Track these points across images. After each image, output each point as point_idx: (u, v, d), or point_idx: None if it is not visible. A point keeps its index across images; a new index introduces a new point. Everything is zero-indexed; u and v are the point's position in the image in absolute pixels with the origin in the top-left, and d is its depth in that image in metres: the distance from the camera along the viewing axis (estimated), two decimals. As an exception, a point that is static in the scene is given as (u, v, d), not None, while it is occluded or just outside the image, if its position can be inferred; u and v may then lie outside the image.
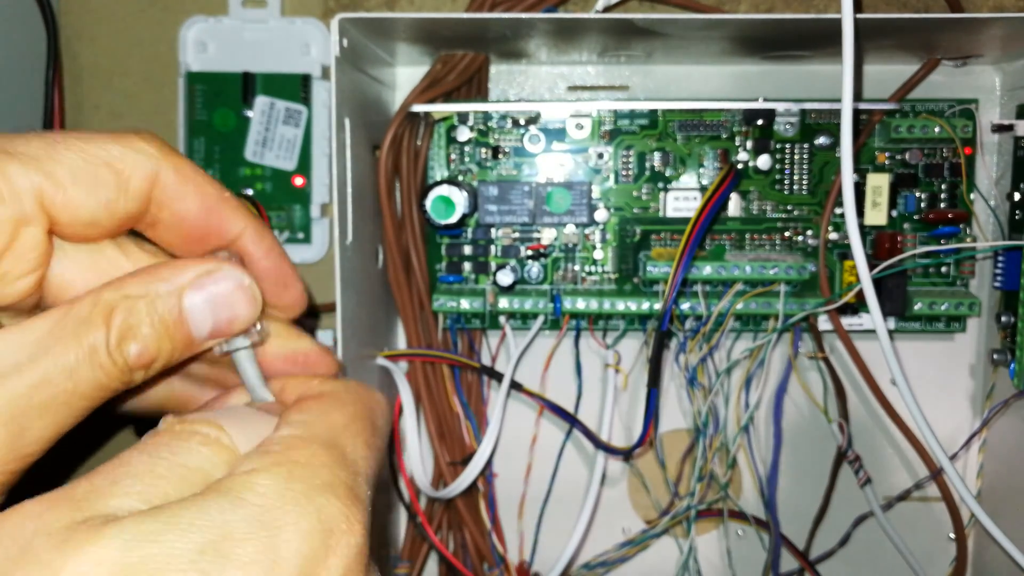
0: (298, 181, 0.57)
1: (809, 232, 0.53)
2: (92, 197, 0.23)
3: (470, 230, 0.54)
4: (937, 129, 0.51)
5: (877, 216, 0.52)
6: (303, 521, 0.19)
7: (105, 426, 0.53)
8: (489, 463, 0.52)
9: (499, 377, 0.52)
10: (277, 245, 0.27)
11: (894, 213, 0.53)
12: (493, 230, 0.53)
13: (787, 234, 0.53)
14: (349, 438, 0.23)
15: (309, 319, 0.56)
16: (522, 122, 0.53)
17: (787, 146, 0.53)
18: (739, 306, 0.51)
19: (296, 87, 0.56)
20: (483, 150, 0.53)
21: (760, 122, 0.52)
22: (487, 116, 0.53)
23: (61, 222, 0.23)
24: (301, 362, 0.27)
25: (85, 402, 0.21)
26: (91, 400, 0.21)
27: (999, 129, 0.52)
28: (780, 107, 0.51)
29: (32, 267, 0.23)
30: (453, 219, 0.49)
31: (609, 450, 0.52)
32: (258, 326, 0.25)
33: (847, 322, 0.52)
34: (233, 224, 0.25)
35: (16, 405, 0.20)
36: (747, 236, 0.53)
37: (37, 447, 0.20)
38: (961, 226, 0.53)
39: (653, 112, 0.53)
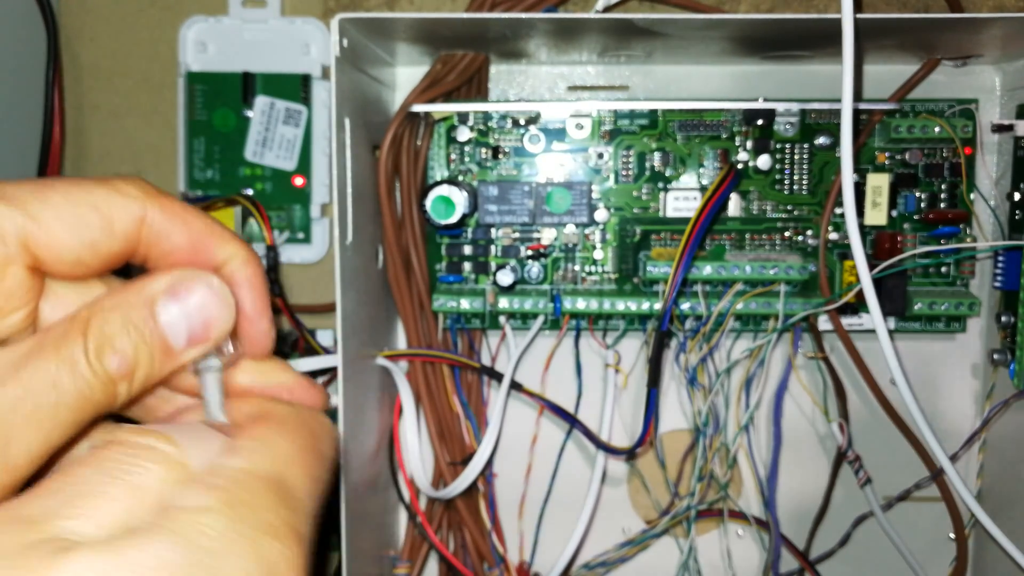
0: (298, 181, 0.57)
1: (809, 232, 0.53)
2: (76, 238, 0.24)
3: (470, 230, 0.54)
4: (937, 129, 0.51)
5: (877, 216, 0.52)
6: (246, 565, 0.20)
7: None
8: (489, 463, 0.52)
9: (499, 377, 0.52)
10: (259, 277, 0.27)
11: (894, 213, 0.53)
12: (493, 230, 0.53)
13: (787, 234, 0.53)
14: (295, 471, 0.23)
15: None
16: (522, 122, 0.53)
17: (787, 146, 0.53)
18: (739, 306, 0.51)
19: (296, 87, 0.56)
20: (483, 150, 0.53)
21: (760, 122, 0.52)
22: (487, 116, 0.53)
23: (46, 261, 0.24)
24: (286, 397, 0.27)
25: (71, 414, 0.21)
26: (77, 412, 0.22)
27: (999, 129, 0.52)
28: (780, 107, 0.51)
29: (20, 304, 0.24)
30: (453, 219, 0.49)
31: (609, 450, 0.52)
32: (230, 347, 0.25)
33: (847, 322, 0.52)
34: (220, 252, 0.26)
35: (1, 417, 0.20)
36: (747, 236, 0.53)
37: (25, 460, 0.21)
38: (961, 226, 0.53)
39: (653, 112, 0.53)
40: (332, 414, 0.30)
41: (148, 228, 0.25)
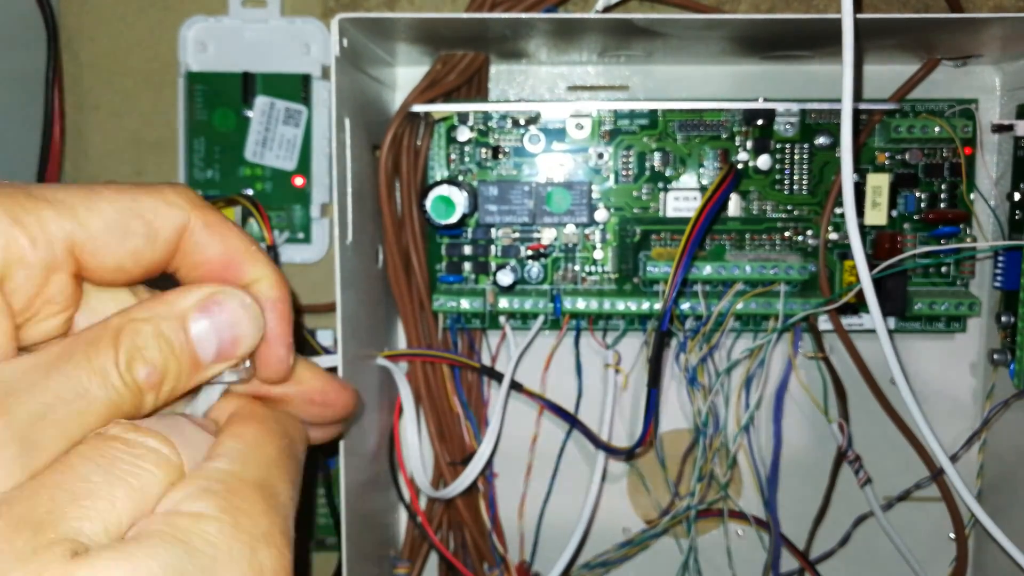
0: (298, 181, 0.57)
1: (809, 232, 0.53)
2: (121, 246, 0.24)
3: (470, 230, 0.54)
4: (937, 129, 0.51)
5: (877, 216, 0.52)
6: (245, 570, 0.21)
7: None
8: (489, 463, 0.52)
9: (499, 377, 0.52)
10: (286, 302, 0.26)
11: (894, 213, 0.53)
12: (493, 230, 0.53)
13: (787, 234, 0.53)
14: (279, 477, 0.24)
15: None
16: (522, 122, 0.53)
17: (787, 146, 0.53)
18: (739, 306, 0.51)
19: (296, 87, 0.56)
20: (483, 150, 0.53)
21: (760, 122, 0.52)
22: (487, 116, 0.53)
23: (89, 268, 0.24)
24: (319, 401, 0.28)
25: (97, 421, 0.22)
26: (103, 419, 0.22)
27: (999, 129, 0.52)
28: (780, 107, 0.51)
29: (60, 309, 0.24)
30: (453, 219, 0.49)
31: (609, 450, 0.52)
32: (247, 363, 0.25)
33: (847, 322, 0.52)
34: (251, 271, 0.26)
35: (30, 423, 0.20)
36: (747, 236, 0.53)
37: (47, 462, 0.21)
38: (961, 226, 0.53)
39: (653, 112, 0.53)
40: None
41: (187, 240, 0.25)
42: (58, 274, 0.23)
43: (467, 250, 0.54)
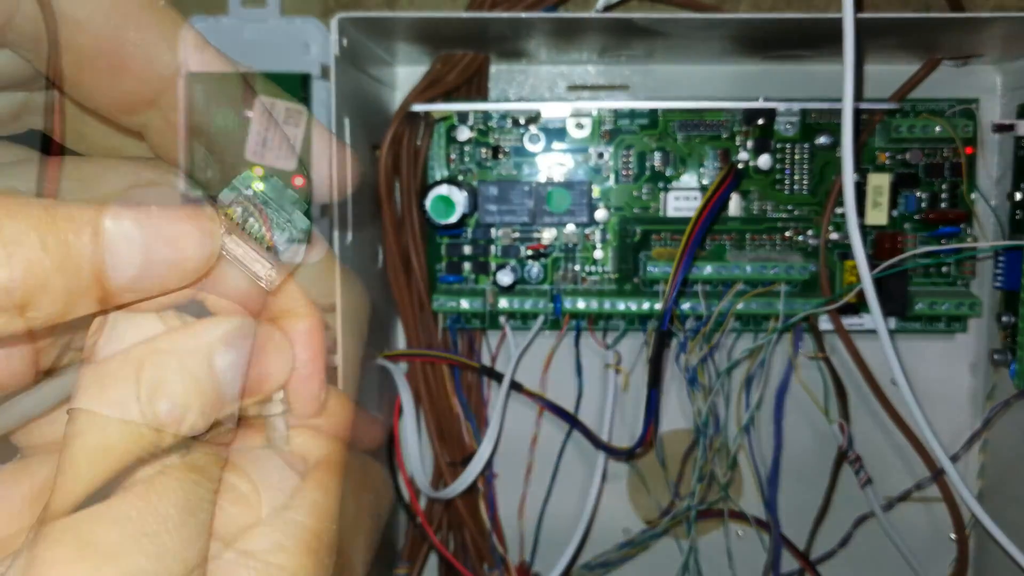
0: (298, 181, 0.56)
1: (810, 232, 0.53)
2: (148, 271, 0.22)
3: (470, 230, 0.53)
4: (938, 129, 0.51)
5: (878, 216, 0.52)
6: None
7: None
8: (489, 463, 0.52)
9: (499, 377, 0.52)
10: (318, 336, 0.25)
11: (895, 213, 0.53)
12: (493, 230, 0.53)
13: (787, 234, 0.53)
14: (358, 540, 0.23)
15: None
16: (522, 122, 0.53)
17: (788, 146, 0.53)
18: (739, 306, 0.51)
19: (296, 87, 0.55)
20: (483, 150, 0.53)
21: (760, 122, 0.52)
22: (487, 116, 0.53)
23: (114, 293, 0.22)
24: (348, 435, 0.27)
25: (116, 459, 0.21)
26: (121, 458, 0.21)
27: (1000, 129, 0.52)
28: (781, 107, 0.51)
29: (83, 336, 0.23)
30: (453, 219, 0.49)
31: (609, 450, 0.52)
32: (282, 395, 0.24)
33: (848, 322, 0.52)
34: (281, 303, 0.25)
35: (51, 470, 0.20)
36: (747, 236, 0.53)
37: (66, 509, 0.20)
38: (962, 226, 0.53)
39: (653, 112, 0.53)
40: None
41: (217, 266, 0.24)
42: (83, 300, 0.22)
43: (467, 250, 0.54)
